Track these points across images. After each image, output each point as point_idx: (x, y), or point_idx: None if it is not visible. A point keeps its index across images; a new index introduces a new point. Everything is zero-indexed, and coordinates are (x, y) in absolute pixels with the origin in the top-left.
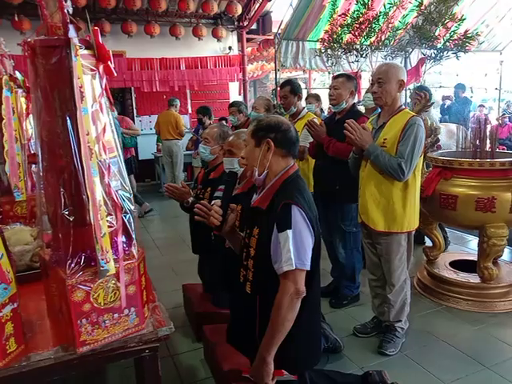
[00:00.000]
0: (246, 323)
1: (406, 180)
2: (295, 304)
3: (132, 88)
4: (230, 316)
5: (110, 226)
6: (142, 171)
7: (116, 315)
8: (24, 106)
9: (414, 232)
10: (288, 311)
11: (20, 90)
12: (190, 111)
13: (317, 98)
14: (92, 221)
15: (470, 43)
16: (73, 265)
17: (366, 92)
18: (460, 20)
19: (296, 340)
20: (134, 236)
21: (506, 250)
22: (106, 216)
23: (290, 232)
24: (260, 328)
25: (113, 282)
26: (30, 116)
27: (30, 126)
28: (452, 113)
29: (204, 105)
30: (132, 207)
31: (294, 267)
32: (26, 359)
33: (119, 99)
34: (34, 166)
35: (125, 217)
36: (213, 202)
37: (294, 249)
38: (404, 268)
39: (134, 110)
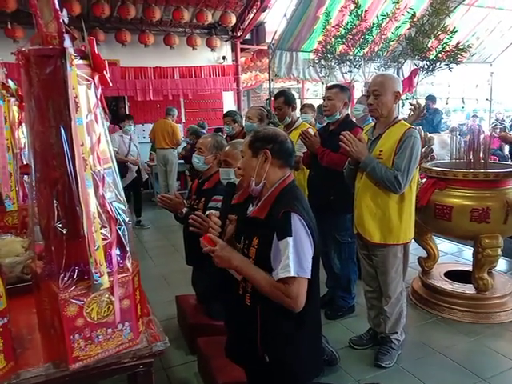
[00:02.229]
0: (247, 335)
1: (402, 192)
2: (283, 303)
3: (125, 97)
4: (228, 329)
5: (104, 239)
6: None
7: (110, 330)
8: (16, 115)
9: (409, 244)
10: (275, 298)
11: (12, 99)
12: (183, 120)
13: (312, 108)
14: (86, 233)
15: (461, 55)
16: (65, 278)
17: (357, 103)
18: (452, 32)
19: (299, 356)
20: (128, 249)
21: (501, 261)
22: (100, 228)
23: (290, 239)
24: (261, 339)
25: (106, 296)
26: (23, 125)
27: (22, 135)
28: (422, 124)
29: None
30: (127, 219)
31: (295, 275)
32: (16, 377)
33: (113, 108)
34: (26, 176)
35: (119, 229)
36: (207, 212)
37: (294, 256)
38: (400, 280)
39: None
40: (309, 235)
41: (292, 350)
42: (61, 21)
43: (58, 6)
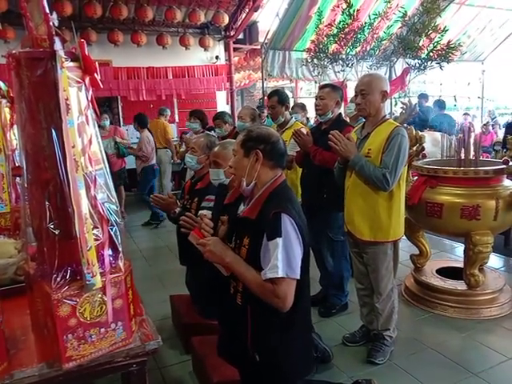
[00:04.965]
0: (238, 334)
1: (390, 190)
2: (271, 303)
3: (118, 97)
4: (220, 328)
5: (96, 239)
6: (128, 180)
7: (102, 330)
8: (8, 117)
9: (399, 241)
10: (264, 298)
11: (4, 100)
12: (177, 120)
13: (302, 107)
14: (78, 234)
15: (452, 53)
16: (58, 279)
17: (350, 101)
18: (443, 31)
19: (290, 355)
20: (120, 249)
21: (492, 257)
22: (92, 229)
23: (279, 240)
24: (252, 338)
25: (99, 296)
26: (15, 126)
27: (14, 136)
28: (416, 122)
29: None
30: (118, 219)
31: (283, 275)
32: (9, 377)
33: (105, 108)
34: (18, 178)
35: (111, 229)
36: (200, 212)
37: (282, 257)
38: (391, 277)
39: (121, 119)
40: (298, 236)
41: (282, 349)
42: (51, 24)
43: (47, 9)
